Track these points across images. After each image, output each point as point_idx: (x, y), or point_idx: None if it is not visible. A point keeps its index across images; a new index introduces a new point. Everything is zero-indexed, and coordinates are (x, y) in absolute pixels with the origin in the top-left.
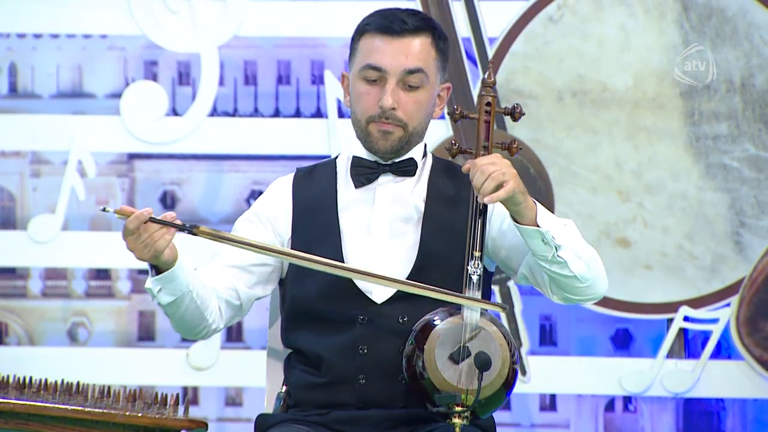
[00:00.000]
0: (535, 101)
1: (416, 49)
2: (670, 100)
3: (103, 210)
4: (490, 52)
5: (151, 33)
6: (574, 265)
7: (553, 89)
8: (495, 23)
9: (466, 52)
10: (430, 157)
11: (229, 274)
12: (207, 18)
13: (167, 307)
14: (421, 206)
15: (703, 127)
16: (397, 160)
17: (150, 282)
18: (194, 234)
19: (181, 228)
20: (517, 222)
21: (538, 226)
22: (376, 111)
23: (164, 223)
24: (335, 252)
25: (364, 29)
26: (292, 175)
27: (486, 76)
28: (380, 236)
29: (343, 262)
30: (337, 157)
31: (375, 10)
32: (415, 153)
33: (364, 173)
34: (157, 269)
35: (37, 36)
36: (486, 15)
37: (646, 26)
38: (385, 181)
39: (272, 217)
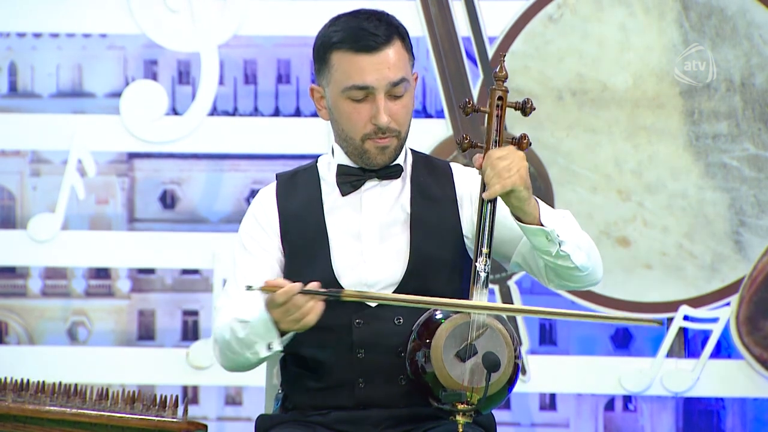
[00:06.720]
0: (535, 100)
1: (394, 59)
2: (669, 99)
3: (248, 288)
4: (490, 51)
5: (151, 32)
6: (575, 256)
7: (553, 88)
8: (495, 22)
9: (466, 52)
10: (409, 152)
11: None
12: (207, 17)
13: (271, 356)
14: (408, 207)
15: (702, 127)
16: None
17: (279, 345)
18: (340, 300)
19: (328, 296)
20: (520, 220)
21: (541, 224)
22: (371, 128)
23: (312, 293)
24: (325, 260)
25: (333, 45)
26: (273, 185)
27: (497, 69)
28: (370, 241)
29: (332, 269)
30: (317, 160)
31: (335, 20)
32: (401, 156)
33: (350, 180)
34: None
35: (37, 35)
36: (486, 14)
37: (646, 26)
38: (371, 185)
39: (270, 234)
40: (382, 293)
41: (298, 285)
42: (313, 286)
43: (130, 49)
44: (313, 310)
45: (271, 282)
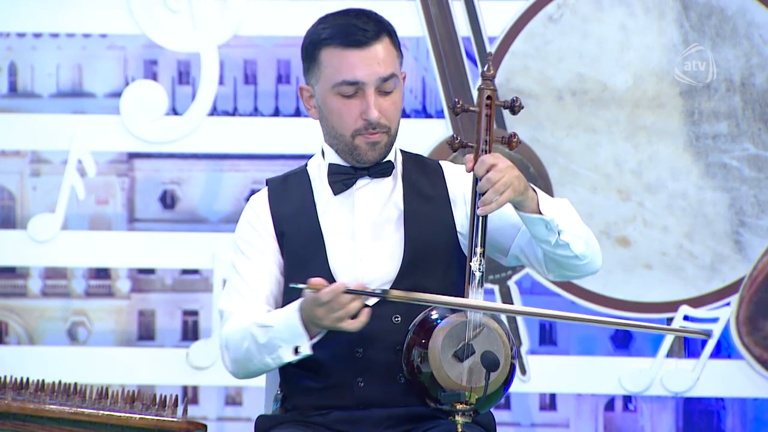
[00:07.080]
0: (534, 100)
1: (383, 54)
2: (669, 99)
3: (291, 288)
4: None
5: (151, 32)
6: (575, 245)
7: (553, 88)
8: (495, 22)
9: (466, 52)
10: (398, 152)
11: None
12: (207, 17)
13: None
14: (401, 205)
15: (702, 127)
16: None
17: (308, 348)
18: (386, 299)
19: (373, 295)
20: (520, 210)
21: (540, 213)
22: (361, 124)
23: (358, 293)
24: (322, 261)
25: (322, 42)
26: (265, 191)
27: (485, 69)
28: (364, 240)
29: (329, 269)
30: (306, 164)
31: (323, 19)
32: (391, 154)
33: (341, 179)
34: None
35: (37, 35)
36: (486, 14)
37: (646, 25)
38: (363, 184)
39: (266, 237)
40: (428, 295)
41: (343, 283)
42: (359, 285)
43: (130, 49)
44: (359, 313)
45: (315, 281)
